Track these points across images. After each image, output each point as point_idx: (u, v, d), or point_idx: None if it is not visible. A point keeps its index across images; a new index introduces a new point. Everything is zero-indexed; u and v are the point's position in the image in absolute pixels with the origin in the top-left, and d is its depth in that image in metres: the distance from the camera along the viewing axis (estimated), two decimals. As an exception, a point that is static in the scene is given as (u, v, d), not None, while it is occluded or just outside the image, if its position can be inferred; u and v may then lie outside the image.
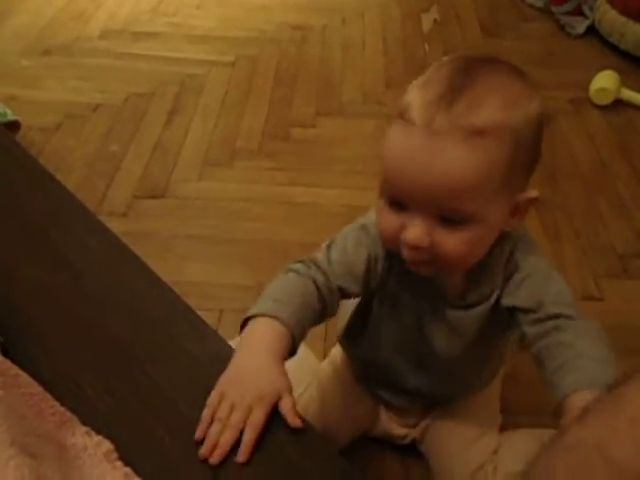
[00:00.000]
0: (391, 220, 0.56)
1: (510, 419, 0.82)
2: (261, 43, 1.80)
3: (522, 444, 0.76)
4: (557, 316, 0.59)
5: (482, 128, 0.51)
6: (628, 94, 1.53)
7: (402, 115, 0.54)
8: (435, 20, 1.93)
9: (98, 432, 0.43)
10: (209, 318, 1.06)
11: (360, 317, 0.73)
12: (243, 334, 0.55)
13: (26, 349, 0.50)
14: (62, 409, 0.43)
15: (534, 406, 0.86)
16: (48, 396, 0.45)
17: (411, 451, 0.85)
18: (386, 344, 0.72)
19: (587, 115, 1.52)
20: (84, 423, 0.44)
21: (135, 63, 1.69)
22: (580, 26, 1.82)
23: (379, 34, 1.86)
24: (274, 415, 0.48)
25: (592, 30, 1.80)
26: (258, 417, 0.47)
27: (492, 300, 0.63)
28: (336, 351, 0.85)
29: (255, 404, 0.48)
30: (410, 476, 0.87)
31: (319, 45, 1.81)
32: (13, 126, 1.34)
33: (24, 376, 0.45)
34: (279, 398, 0.49)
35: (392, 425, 0.83)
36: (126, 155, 1.39)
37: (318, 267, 0.62)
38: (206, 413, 0.47)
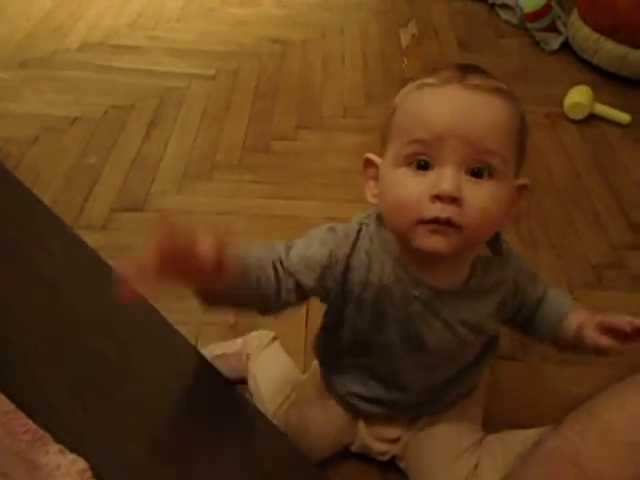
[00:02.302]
0: (418, 182, 0.57)
1: (490, 430, 0.82)
2: (241, 57, 1.80)
3: (501, 455, 0.76)
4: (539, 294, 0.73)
5: (502, 88, 0.58)
6: (601, 109, 1.56)
7: (423, 85, 0.59)
8: (413, 35, 1.96)
9: (72, 450, 0.43)
10: (189, 332, 1.06)
11: (332, 329, 0.72)
12: None
13: (-1, 366, 0.49)
14: (35, 427, 0.43)
15: (515, 417, 0.87)
16: (20, 414, 0.44)
17: (391, 466, 0.84)
18: (341, 347, 0.72)
19: (562, 129, 1.55)
20: (58, 441, 0.43)
21: (114, 76, 1.69)
22: (554, 42, 1.86)
23: (358, 49, 1.88)
24: (250, 427, 0.47)
25: (566, 46, 1.85)
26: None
27: (489, 291, 0.67)
28: (316, 364, 0.85)
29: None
30: None
31: (299, 59, 1.82)
32: (-11, 139, 1.32)
33: (-4, 394, 0.45)
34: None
35: (372, 441, 0.82)
36: (104, 168, 1.38)
37: (287, 247, 0.63)
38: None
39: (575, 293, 1.12)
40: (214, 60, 1.78)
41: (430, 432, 0.80)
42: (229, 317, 1.04)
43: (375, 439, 0.82)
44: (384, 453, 0.83)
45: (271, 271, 0.60)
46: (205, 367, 0.52)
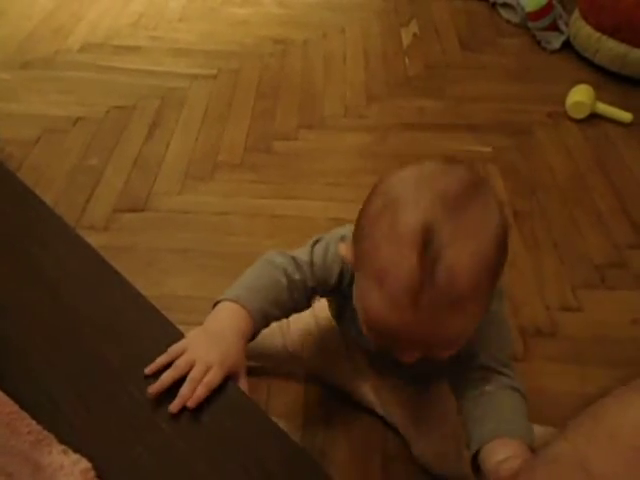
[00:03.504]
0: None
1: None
2: (243, 57, 1.81)
3: None
4: (488, 368, 0.64)
5: (461, 296, 0.51)
6: (603, 108, 1.56)
7: (380, 281, 0.53)
8: (415, 34, 1.95)
9: (76, 450, 0.43)
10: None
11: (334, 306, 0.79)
12: (214, 310, 0.60)
13: (1, 366, 0.49)
14: (38, 427, 0.43)
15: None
16: (24, 414, 0.44)
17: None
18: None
19: (564, 128, 1.55)
20: (61, 441, 0.43)
21: (116, 76, 1.69)
22: (556, 41, 1.86)
23: (360, 48, 1.88)
24: (252, 425, 0.47)
25: (568, 45, 1.84)
26: (216, 376, 0.51)
27: None
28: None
29: (215, 365, 0.51)
30: (388, 444, 0.88)
31: (301, 59, 1.82)
32: (-9, 140, 1.32)
33: (-1, 394, 0.45)
34: (236, 373, 0.53)
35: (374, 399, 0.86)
36: (106, 169, 1.38)
37: (299, 267, 0.65)
38: (164, 357, 0.51)
39: (578, 293, 1.12)
40: (216, 60, 1.78)
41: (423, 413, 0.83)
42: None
43: (377, 399, 0.86)
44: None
45: (287, 297, 0.64)
46: (208, 367, 0.52)
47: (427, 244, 0.50)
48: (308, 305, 0.69)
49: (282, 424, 0.51)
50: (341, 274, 0.67)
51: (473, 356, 0.64)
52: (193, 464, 0.45)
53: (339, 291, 0.68)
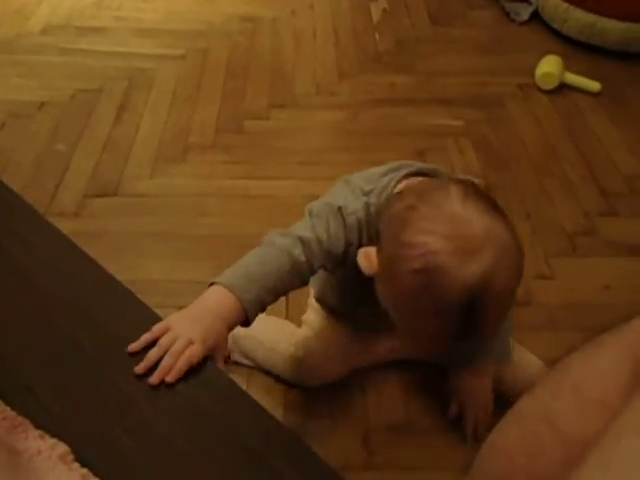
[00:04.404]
0: None
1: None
2: (211, 36, 1.77)
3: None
4: None
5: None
6: (572, 78, 1.58)
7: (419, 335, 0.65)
8: (384, 10, 1.94)
9: (53, 435, 0.42)
10: (168, 315, 1.05)
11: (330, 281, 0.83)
12: (206, 292, 0.61)
13: (-27, 355, 0.49)
14: (13, 413, 0.42)
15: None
16: (-2, 401, 0.44)
17: (410, 376, 0.92)
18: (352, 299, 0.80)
19: (534, 99, 1.56)
20: (38, 426, 0.43)
21: (81, 59, 1.64)
22: (524, 12, 1.86)
23: (329, 25, 1.86)
24: (232, 403, 0.48)
25: (536, 16, 1.85)
26: (197, 351, 0.52)
27: None
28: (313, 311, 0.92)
29: (197, 342, 0.53)
30: (369, 417, 0.89)
31: (270, 37, 1.79)
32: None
33: (-28, 382, 0.44)
34: (216, 355, 0.55)
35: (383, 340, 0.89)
36: (75, 154, 1.35)
37: (306, 247, 0.66)
38: (148, 336, 0.52)
39: (551, 262, 1.14)
40: (183, 40, 1.75)
41: None
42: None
43: (386, 338, 0.88)
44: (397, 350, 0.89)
45: (291, 276, 0.66)
46: (184, 347, 0.52)
47: (470, 313, 0.57)
48: (305, 284, 0.71)
49: (262, 401, 0.51)
50: (347, 246, 0.69)
51: None
52: (173, 443, 0.45)
53: (344, 263, 0.71)
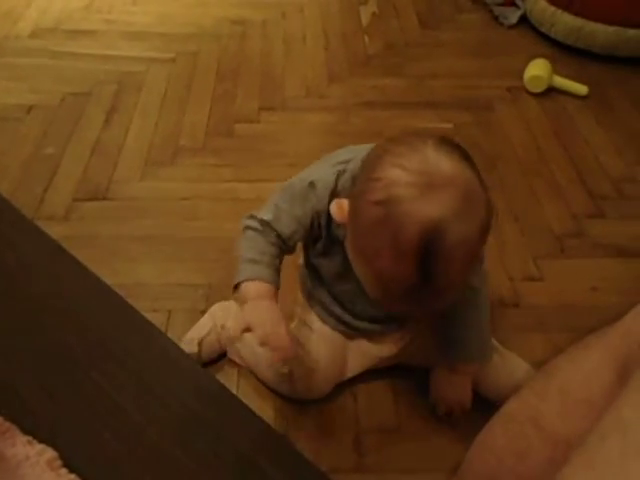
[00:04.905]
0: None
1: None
2: (201, 39, 1.77)
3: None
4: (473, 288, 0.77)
5: (453, 287, 0.61)
6: (560, 81, 1.59)
7: (379, 277, 0.61)
8: (374, 13, 1.95)
9: (41, 440, 0.42)
10: (158, 319, 1.06)
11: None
12: (243, 293, 0.73)
13: (-40, 361, 0.48)
14: (0, 419, 0.42)
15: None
16: (-15, 407, 0.43)
17: (400, 379, 0.93)
18: (327, 277, 0.83)
19: (523, 102, 1.57)
20: (25, 432, 0.42)
21: (70, 62, 1.64)
22: (513, 16, 1.87)
23: (319, 28, 1.87)
24: (222, 408, 0.48)
25: (524, 20, 1.86)
26: (283, 333, 0.69)
27: None
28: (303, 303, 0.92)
29: (276, 327, 0.69)
30: (360, 420, 0.89)
31: (260, 40, 1.80)
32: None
33: (-41, 388, 0.44)
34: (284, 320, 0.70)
35: (371, 346, 0.89)
36: (64, 157, 1.34)
37: (269, 227, 0.75)
38: (238, 332, 0.73)
39: (539, 263, 1.15)
40: (173, 43, 1.74)
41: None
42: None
43: (374, 344, 0.89)
44: (389, 356, 0.90)
45: (277, 251, 0.75)
46: (174, 351, 0.52)
47: (425, 255, 0.56)
48: (290, 252, 0.79)
49: (253, 404, 0.51)
50: (314, 214, 0.73)
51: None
52: (163, 448, 0.45)
53: (316, 231, 0.76)
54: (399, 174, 0.57)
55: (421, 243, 0.55)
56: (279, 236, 0.75)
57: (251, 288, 0.73)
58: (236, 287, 0.73)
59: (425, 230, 0.55)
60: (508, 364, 0.88)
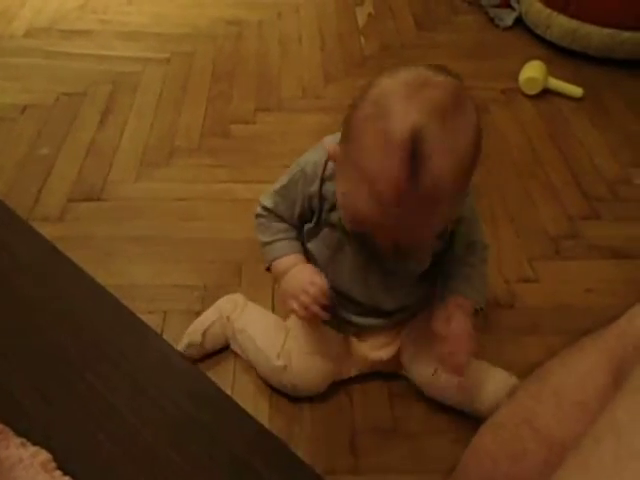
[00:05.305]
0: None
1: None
2: (196, 39, 1.77)
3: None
4: (474, 242, 0.82)
5: (441, 197, 0.60)
6: (555, 83, 1.59)
7: (368, 181, 0.60)
8: (370, 14, 1.95)
9: (35, 442, 0.42)
10: (154, 320, 1.05)
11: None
12: (274, 275, 0.84)
13: (-46, 362, 0.48)
14: (-6, 422, 0.42)
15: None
16: (-21, 409, 0.43)
17: (396, 383, 0.93)
18: (321, 260, 0.84)
19: (518, 104, 1.57)
20: (19, 434, 0.42)
21: (64, 62, 1.63)
22: (508, 18, 1.88)
23: (315, 29, 1.87)
24: (217, 410, 0.47)
25: (520, 22, 1.87)
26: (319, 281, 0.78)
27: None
28: None
29: (314, 277, 0.78)
30: (356, 420, 0.89)
31: (256, 40, 1.79)
32: None
33: (-48, 390, 0.43)
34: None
35: (368, 350, 0.89)
36: (58, 158, 1.34)
37: (272, 212, 0.82)
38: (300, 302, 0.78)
39: (534, 265, 1.15)
40: (168, 43, 1.74)
41: (418, 332, 0.88)
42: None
43: (370, 349, 0.89)
44: (382, 360, 0.90)
45: (287, 226, 0.83)
46: (169, 353, 0.52)
47: (414, 151, 0.57)
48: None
49: (248, 406, 0.51)
50: (304, 198, 0.78)
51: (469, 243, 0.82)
52: (157, 450, 0.45)
53: (308, 215, 0.80)
54: (389, 81, 0.61)
55: (409, 134, 0.57)
56: (283, 218, 0.82)
57: (278, 267, 0.82)
58: (268, 270, 0.84)
59: (413, 122, 0.57)
60: (491, 377, 0.86)
